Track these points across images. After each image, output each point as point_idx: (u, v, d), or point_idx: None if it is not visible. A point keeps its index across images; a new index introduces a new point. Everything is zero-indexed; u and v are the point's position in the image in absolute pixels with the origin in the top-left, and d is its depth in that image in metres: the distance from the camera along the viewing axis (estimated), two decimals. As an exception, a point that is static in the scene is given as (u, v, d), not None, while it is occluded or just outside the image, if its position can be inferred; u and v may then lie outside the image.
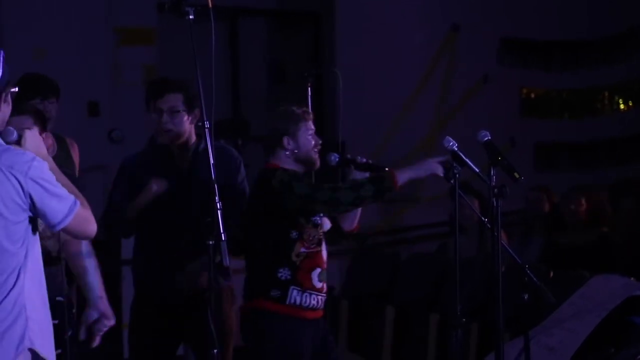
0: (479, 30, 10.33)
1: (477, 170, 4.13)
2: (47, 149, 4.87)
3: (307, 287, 4.23)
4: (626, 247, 6.64)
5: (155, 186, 4.50)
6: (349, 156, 4.43)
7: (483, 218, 4.37)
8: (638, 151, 10.92)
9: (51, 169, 3.08)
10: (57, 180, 3.05)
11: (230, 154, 4.73)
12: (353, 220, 4.56)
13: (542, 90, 11.14)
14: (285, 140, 4.30)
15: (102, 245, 5.02)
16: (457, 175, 4.15)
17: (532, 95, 11.13)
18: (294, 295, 4.21)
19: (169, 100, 4.55)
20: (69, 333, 4.19)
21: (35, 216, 3.04)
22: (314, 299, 4.26)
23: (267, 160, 4.37)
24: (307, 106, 4.80)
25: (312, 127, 4.37)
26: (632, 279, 5.51)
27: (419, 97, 10.10)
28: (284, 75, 10.05)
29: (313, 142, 4.34)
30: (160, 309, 4.56)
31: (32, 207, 3.00)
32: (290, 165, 4.31)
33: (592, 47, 10.95)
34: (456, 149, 4.17)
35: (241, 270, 4.57)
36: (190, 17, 3.76)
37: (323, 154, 4.44)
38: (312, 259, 4.25)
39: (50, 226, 3.05)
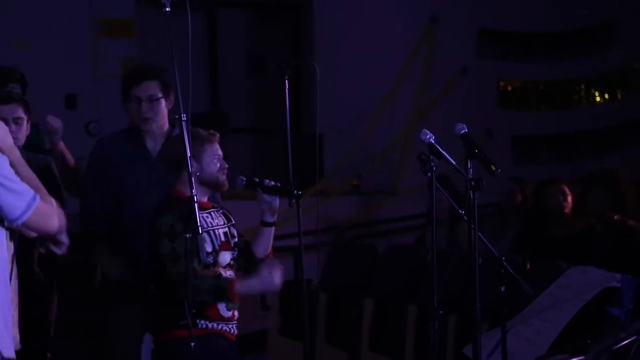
0: (457, 21, 10.35)
1: (454, 163, 4.14)
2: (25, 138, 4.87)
3: (214, 318, 4.20)
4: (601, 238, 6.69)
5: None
6: (256, 179, 4.32)
7: (460, 210, 4.38)
8: (614, 143, 10.99)
9: (16, 161, 3.04)
10: (20, 173, 3.02)
11: None
12: (267, 246, 4.41)
13: (519, 82, 11.19)
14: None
15: (81, 239, 5.03)
16: (434, 168, 4.15)
17: (510, 88, 11.17)
18: (203, 323, 4.18)
19: (147, 88, 4.55)
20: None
21: None
22: (224, 327, 4.24)
23: (174, 184, 4.26)
24: (285, 99, 4.80)
25: (219, 150, 4.28)
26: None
27: (398, 90, 10.11)
28: (262, 67, 10.05)
29: (219, 165, 4.25)
30: (133, 304, 4.56)
31: None
32: (195, 188, 4.11)
33: (569, 39, 11.01)
34: (433, 141, 4.17)
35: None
36: (167, 9, 3.75)
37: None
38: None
39: (8, 221, 3.03)
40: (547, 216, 6.91)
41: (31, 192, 3.00)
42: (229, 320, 4.26)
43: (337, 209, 9.40)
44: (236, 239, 4.36)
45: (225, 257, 4.26)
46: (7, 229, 3.10)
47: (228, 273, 4.25)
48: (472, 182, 4.03)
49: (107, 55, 8.86)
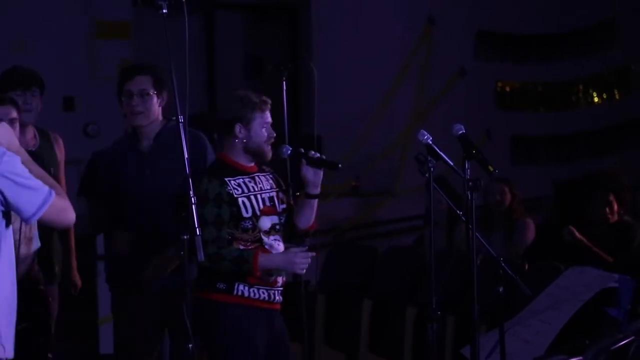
0: (455, 23, 10.35)
1: (452, 164, 4.14)
2: (29, 143, 4.89)
3: (253, 282, 4.16)
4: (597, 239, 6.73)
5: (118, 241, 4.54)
6: (301, 150, 4.29)
7: (458, 211, 4.38)
8: (613, 143, 10.99)
9: (25, 161, 3.06)
10: (32, 171, 3.04)
11: (197, 137, 4.69)
12: (309, 218, 4.35)
13: (517, 83, 11.19)
14: (237, 128, 4.19)
15: (77, 240, 5.04)
16: (432, 169, 4.15)
17: (508, 89, 11.17)
18: (241, 288, 4.16)
19: (139, 82, 4.57)
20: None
21: (8, 210, 3.03)
22: (263, 293, 4.19)
23: (220, 145, 4.27)
24: (283, 100, 4.80)
25: (269, 118, 4.25)
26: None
27: (396, 91, 10.11)
28: (260, 69, 10.05)
29: (266, 135, 4.23)
30: (140, 301, 4.56)
31: (4, 201, 2.99)
32: (239, 155, 4.20)
33: (567, 40, 11.01)
34: (431, 142, 4.17)
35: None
36: (164, 10, 3.74)
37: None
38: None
39: (24, 219, 3.05)
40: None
41: (46, 187, 3.02)
42: (271, 285, 4.21)
43: (336, 210, 9.39)
44: (284, 205, 4.32)
45: (265, 222, 4.21)
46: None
47: (271, 238, 4.21)
48: (470, 183, 4.03)
49: (104, 57, 8.86)
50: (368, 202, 10.01)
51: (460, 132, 4.17)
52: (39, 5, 8.59)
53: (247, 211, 4.16)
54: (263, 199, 4.24)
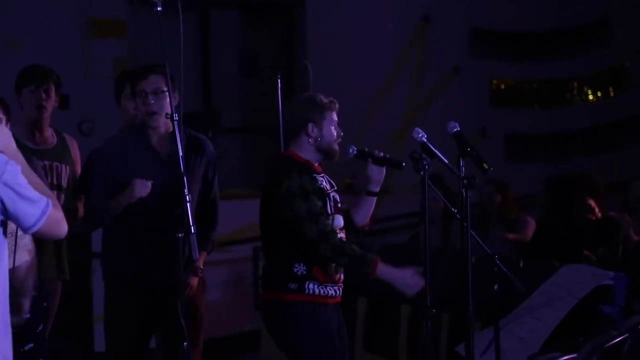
0: (450, 21, 10.36)
1: (446, 162, 4.14)
2: (47, 140, 4.90)
3: (323, 280, 4.24)
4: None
5: (139, 187, 4.48)
6: (366, 149, 4.43)
7: (453, 209, 4.39)
8: (608, 141, 11.01)
9: (22, 167, 3.04)
10: (30, 180, 3.02)
11: (212, 150, 4.73)
12: (367, 215, 4.50)
13: (512, 81, 11.20)
14: (310, 127, 4.28)
15: (72, 238, 5.02)
16: (427, 167, 4.15)
17: (503, 86, 11.18)
18: (311, 287, 4.22)
19: (153, 81, 4.52)
20: (40, 327, 4.18)
21: (7, 219, 3.01)
22: (331, 290, 4.27)
23: (287, 145, 4.35)
24: (278, 98, 4.81)
25: (336, 118, 4.36)
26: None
27: (391, 89, 10.12)
28: (255, 67, 10.04)
29: (336, 134, 4.34)
30: (134, 299, 4.55)
31: (4, 211, 2.97)
32: (310, 153, 4.29)
33: (562, 38, 11.02)
34: (425, 140, 4.18)
35: (215, 262, 4.58)
36: (159, 9, 3.74)
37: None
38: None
39: (23, 229, 3.02)
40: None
41: (44, 198, 2.99)
42: (335, 282, 4.28)
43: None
44: (339, 204, 4.40)
45: (340, 220, 4.31)
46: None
47: (340, 235, 4.27)
48: (465, 181, 4.03)
49: (99, 56, 8.85)
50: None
51: (455, 129, 4.18)
52: (35, 3, 8.57)
53: (330, 208, 4.27)
54: (334, 198, 4.34)
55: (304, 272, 4.19)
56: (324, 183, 4.32)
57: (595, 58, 11.03)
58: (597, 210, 6.94)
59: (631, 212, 6.94)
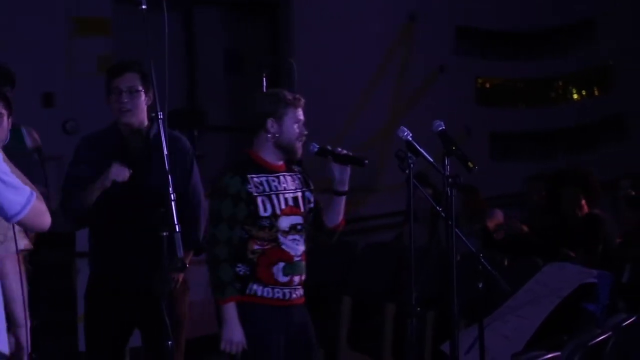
0: (435, 20, 10.37)
1: (431, 160, 4.14)
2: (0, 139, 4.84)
3: (268, 282, 4.15)
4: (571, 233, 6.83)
5: (115, 171, 4.46)
6: (328, 147, 4.33)
7: (437, 207, 4.39)
8: (591, 140, 11.05)
9: (4, 159, 3.02)
10: (11, 171, 3.00)
11: (185, 148, 4.69)
12: (337, 216, 4.43)
13: (497, 79, 11.23)
14: (269, 122, 4.20)
15: (56, 237, 5.00)
16: (412, 165, 4.15)
17: (488, 85, 11.21)
18: (254, 288, 4.15)
19: (128, 79, 4.53)
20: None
21: None
22: (278, 293, 4.18)
23: (251, 143, 4.28)
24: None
25: (301, 115, 4.27)
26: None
27: (376, 87, 10.12)
28: (240, 65, 10.03)
29: (298, 131, 4.24)
30: (115, 299, 4.54)
31: None
32: (268, 151, 4.21)
33: (546, 38, 11.06)
34: (410, 138, 4.17)
35: (199, 262, 4.56)
36: (143, 6, 3.72)
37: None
38: (271, 255, 4.16)
39: (7, 218, 2.99)
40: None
41: (27, 188, 2.97)
42: (285, 285, 4.18)
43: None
44: (312, 205, 4.32)
45: (284, 222, 4.18)
46: None
47: (289, 237, 4.19)
48: (450, 179, 4.03)
49: (83, 54, 8.81)
50: (348, 197, 10.00)
51: (440, 128, 4.18)
52: (17, 2, 8.54)
53: (265, 210, 4.16)
54: (286, 199, 4.23)
55: (247, 273, 4.13)
56: (276, 183, 4.22)
57: (580, 57, 11.07)
58: (583, 203, 6.94)
59: (618, 211, 6.99)
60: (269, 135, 4.20)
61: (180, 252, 3.54)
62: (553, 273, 5.51)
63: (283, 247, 4.19)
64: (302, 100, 4.28)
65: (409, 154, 4.16)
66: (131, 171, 4.47)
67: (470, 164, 4.10)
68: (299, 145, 4.25)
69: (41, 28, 8.60)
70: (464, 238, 4.32)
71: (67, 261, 6.88)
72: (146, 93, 4.56)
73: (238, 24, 10.30)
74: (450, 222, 4.04)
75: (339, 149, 4.29)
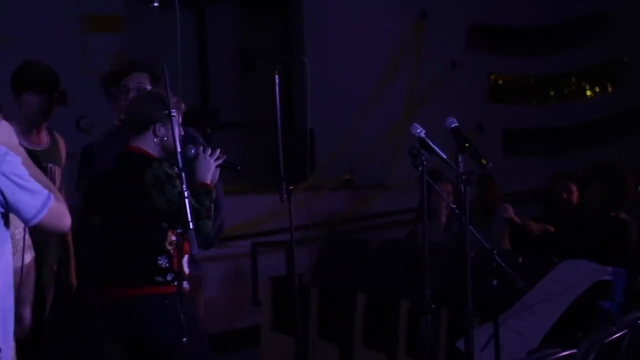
0: (447, 16, 10.35)
1: (445, 157, 4.14)
2: (41, 141, 4.88)
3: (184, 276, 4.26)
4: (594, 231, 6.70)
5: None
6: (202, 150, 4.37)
7: (452, 204, 4.38)
8: (605, 136, 11.01)
9: (24, 161, 3.03)
10: (31, 173, 3.00)
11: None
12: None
13: (510, 76, 11.20)
14: (157, 127, 4.24)
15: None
16: (425, 162, 4.15)
17: (500, 82, 11.18)
18: (169, 279, 4.21)
19: (137, 78, 4.57)
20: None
21: (8, 212, 2.99)
22: (185, 285, 4.26)
23: (131, 141, 4.30)
24: (275, 94, 4.78)
25: (180, 117, 4.36)
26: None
27: (388, 84, 10.10)
28: (252, 63, 10.03)
29: (181, 133, 4.28)
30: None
31: (4, 202, 2.95)
32: (155, 151, 4.26)
33: (559, 33, 11.02)
34: (424, 135, 4.17)
35: (213, 258, 4.57)
36: (156, 4, 3.73)
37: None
38: (181, 247, 4.23)
39: (24, 221, 3.00)
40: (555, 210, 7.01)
41: (45, 191, 2.98)
42: (187, 278, 4.29)
43: (329, 204, 9.39)
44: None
45: None
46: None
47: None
48: (463, 176, 4.03)
49: (96, 51, 8.83)
50: (361, 195, 10.01)
51: (453, 125, 4.17)
52: (30, -1, 8.56)
53: None
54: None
55: (167, 265, 4.20)
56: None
57: (593, 53, 11.03)
58: (575, 194, 6.86)
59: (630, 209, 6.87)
60: (156, 140, 4.26)
61: (195, 250, 3.55)
62: (568, 270, 5.49)
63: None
64: (182, 103, 4.43)
65: (422, 151, 4.15)
66: None
67: (483, 161, 4.09)
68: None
69: (54, 25, 8.62)
70: (477, 234, 4.31)
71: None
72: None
73: (250, 21, 10.30)
74: (463, 219, 4.04)
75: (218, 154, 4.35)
